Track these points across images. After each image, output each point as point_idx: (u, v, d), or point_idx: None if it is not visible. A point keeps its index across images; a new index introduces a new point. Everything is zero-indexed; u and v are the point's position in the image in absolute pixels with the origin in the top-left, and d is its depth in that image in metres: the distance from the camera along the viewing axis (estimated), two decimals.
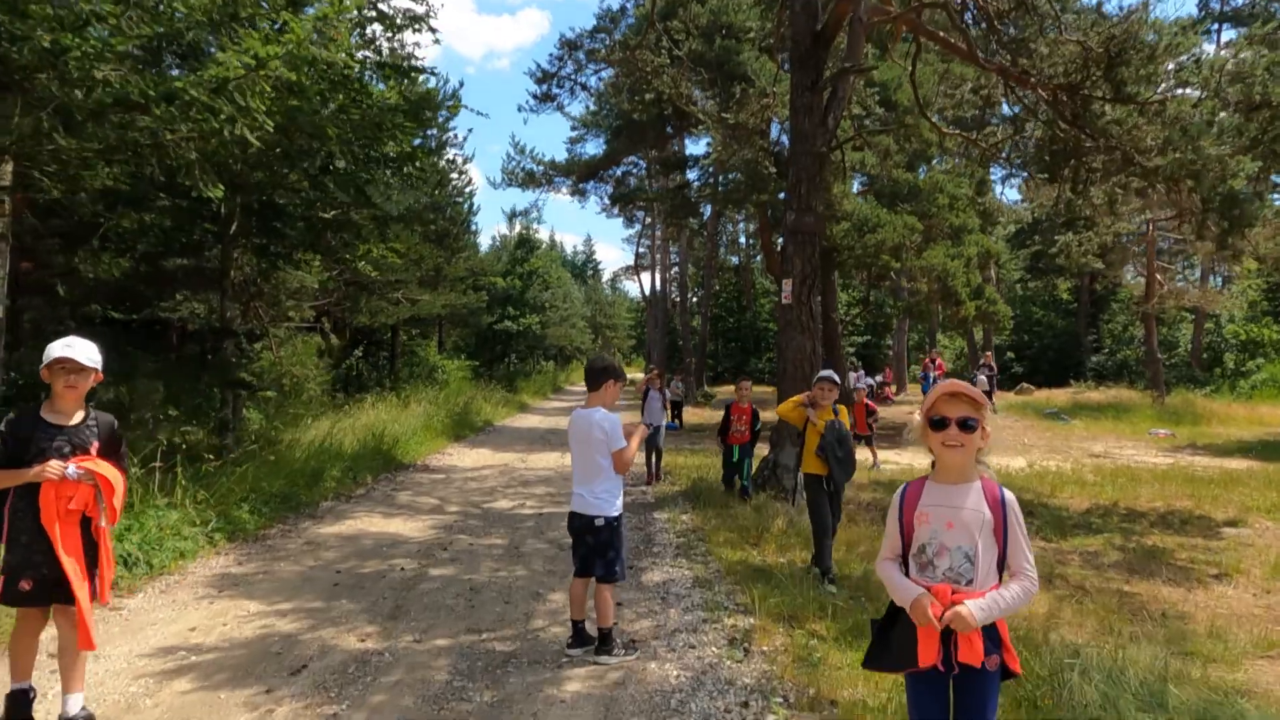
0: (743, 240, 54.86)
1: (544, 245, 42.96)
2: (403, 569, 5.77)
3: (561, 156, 18.59)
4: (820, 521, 5.54)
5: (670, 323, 40.70)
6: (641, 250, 59.16)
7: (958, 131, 12.94)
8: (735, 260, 54.46)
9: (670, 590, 5.38)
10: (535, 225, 34.37)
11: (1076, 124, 9.73)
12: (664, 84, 12.29)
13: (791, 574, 5.58)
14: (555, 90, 13.37)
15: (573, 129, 18.35)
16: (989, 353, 25.53)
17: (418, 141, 12.39)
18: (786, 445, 9.23)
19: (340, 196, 9.74)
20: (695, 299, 57.78)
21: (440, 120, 21.40)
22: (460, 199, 22.90)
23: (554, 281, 36.41)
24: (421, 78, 9.56)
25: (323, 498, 8.53)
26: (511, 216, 18.14)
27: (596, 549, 4.08)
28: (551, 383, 39.17)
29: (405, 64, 9.39)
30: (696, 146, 21.54)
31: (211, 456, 7.98)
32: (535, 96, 13.81)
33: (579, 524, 4.15)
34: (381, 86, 9.38)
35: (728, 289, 50.83)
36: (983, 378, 21.53)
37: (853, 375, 21.06)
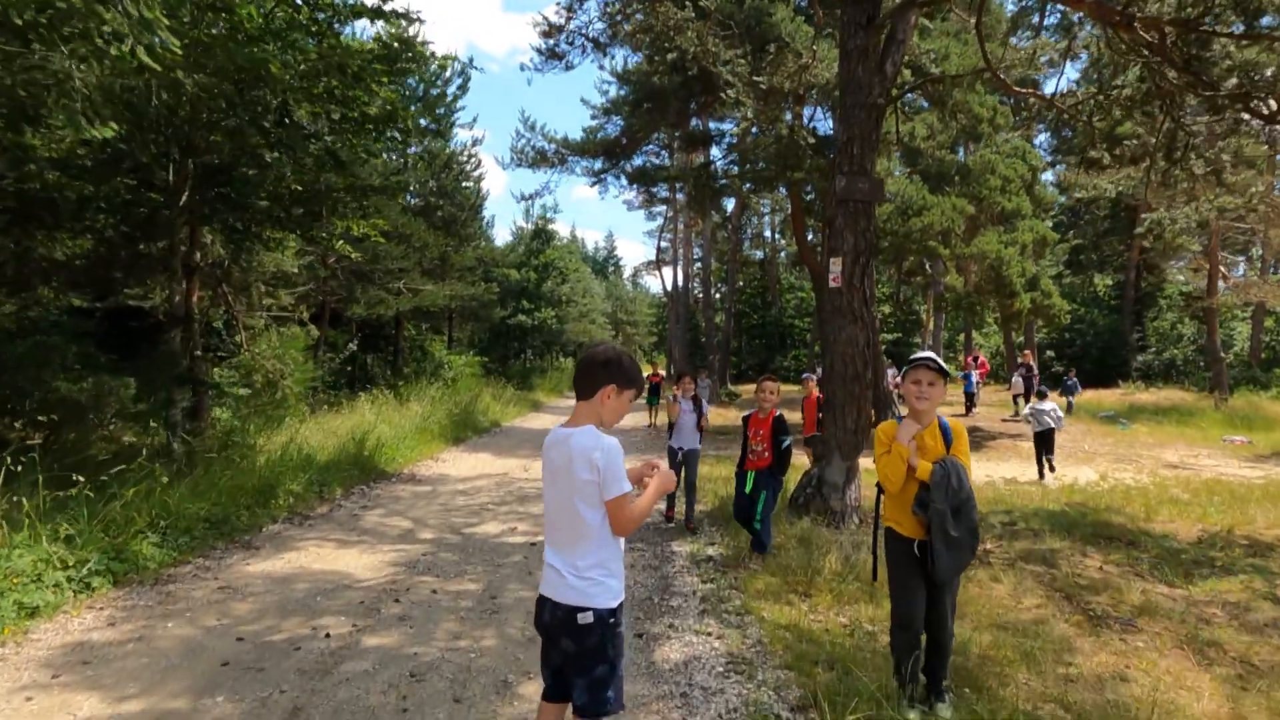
0: (768, 234, 53.18)
1: (563, 239, 41.46)
2: (328, 635, 4.23)
3: (576, 135, 17.04)
4: (905, 614, 3.36)
5: (692, 319, 39.06)
6: (663, 245, 57.65)
7: (1030, 91, 11.17)
8: (759, 255, 52.83)
9: (694, 679, 3.78)
10: (552, 216, 32.85)
11: (1189, 69, 7.97)
12: (688, 40, 10.68)
13: (861, 649, 3.99)
14: (563, 47, 11.78)
15: (593, 116, 16.87)
16: (1028, 351, 23.41)
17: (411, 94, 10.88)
18: (834, 459, 7.62)
19: (305, 159, 8.26)
20: (718, 294, 56.21)
21: (441, 91, 19.98)
22: (468, 184, 21.47)
23: (572, 275, 34.89)
24: (402, 24, 8.05)
25: (271, 519, 7.04)
26: (521, 199, 16.59)
27: (578, 660, 2.42)
28: (569, 380, 37.71)
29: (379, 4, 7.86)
30: (722, 127, 19.90)
31: (148, 465, 6.56)
32: (540, 52, 12.24)
33: (551, 617, 2.47)
34: (364, 36, 7.88)
35: (751, 284, 49.18)
36: (1018, 379, 19.67)
37: (890, 373, 19.29)
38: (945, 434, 3.37)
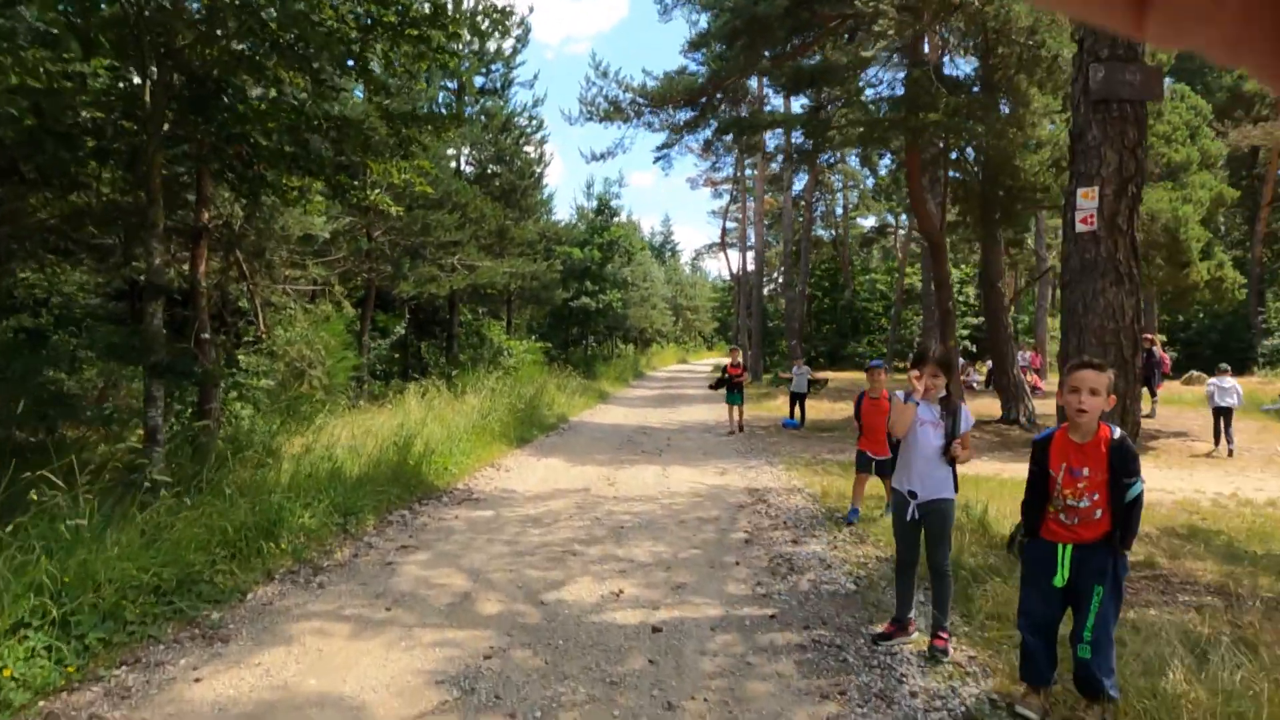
0: (839, 212, 49.87)
1: (623, 218, 38.93)
2: None
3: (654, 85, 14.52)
4: None
5: (762, 302, 36.19)
6: (729, 225, 54.74)
7: None
8: (828, 235, 49.58)
9: None
10: (616, 193, 30.41)
11: None
12: None
13: None
14: None
15: (682, 53, 14.33)
16: (1149, 335, 19.34)
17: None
18: None
19: (325, 76, 5.99)
20: (781, 277, 53.16)
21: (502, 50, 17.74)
22: (529, 149, 19.19)
23: (637, 254, 32.46)
24: None
25: (265, 575, 4.81)
26: (592, 160, 14.37)
27: None
28: (633, 368, 35.36)
29: None
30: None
31: (119, 486, 4.43)
32: None
33: None
34: None
35: (821, 266, 46.15)
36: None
37: (1021, 356, 16.26)
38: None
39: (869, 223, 53.07)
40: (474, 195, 15.88)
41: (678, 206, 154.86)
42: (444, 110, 17.60)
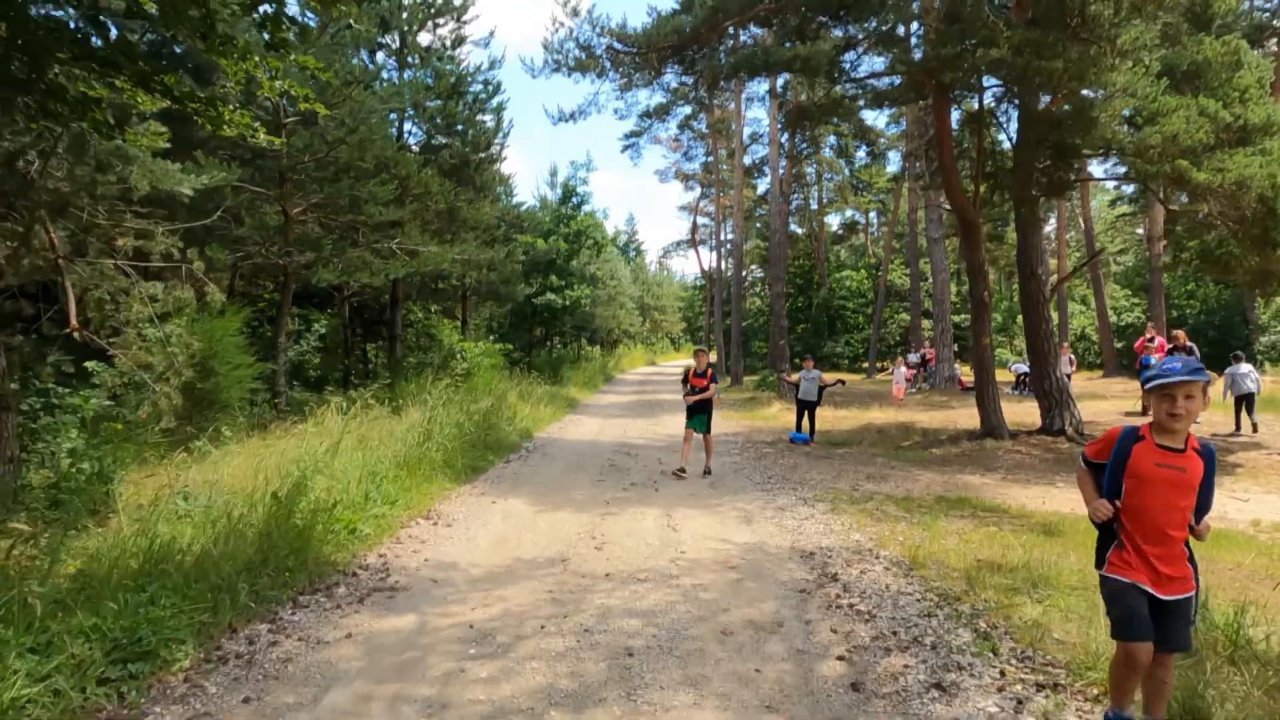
0: (814, 204, 47.73)
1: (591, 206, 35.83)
2: None
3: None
4: None
5: (741, 299, 33.68)
6: (701, 221, 52.23)
7: None
8: (804, 230, 47.37)
9: None
10: (582, 179, 27.62)
11: None
12: None
13: None
14: None
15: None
16: (1180, 332, 17.05)
17: None
18: None
19: None
20: (760, 274, 50.76)
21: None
22: (485, 117, 16.36)
23: (606, 247, 29.73)
24: None
25: None
26: (559, 120, 11.79)
27: None
28: (602, 372, 32.63)
29: None
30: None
31: None
32: None
33: None
34: None
35: (795, 263, 43.97)
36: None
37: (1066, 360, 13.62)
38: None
39: (836, 221, 51.29)
40: (416, 166, 13.06)
41: (643, 205, 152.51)
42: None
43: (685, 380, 9.63)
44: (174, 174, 6.59)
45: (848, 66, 10.62)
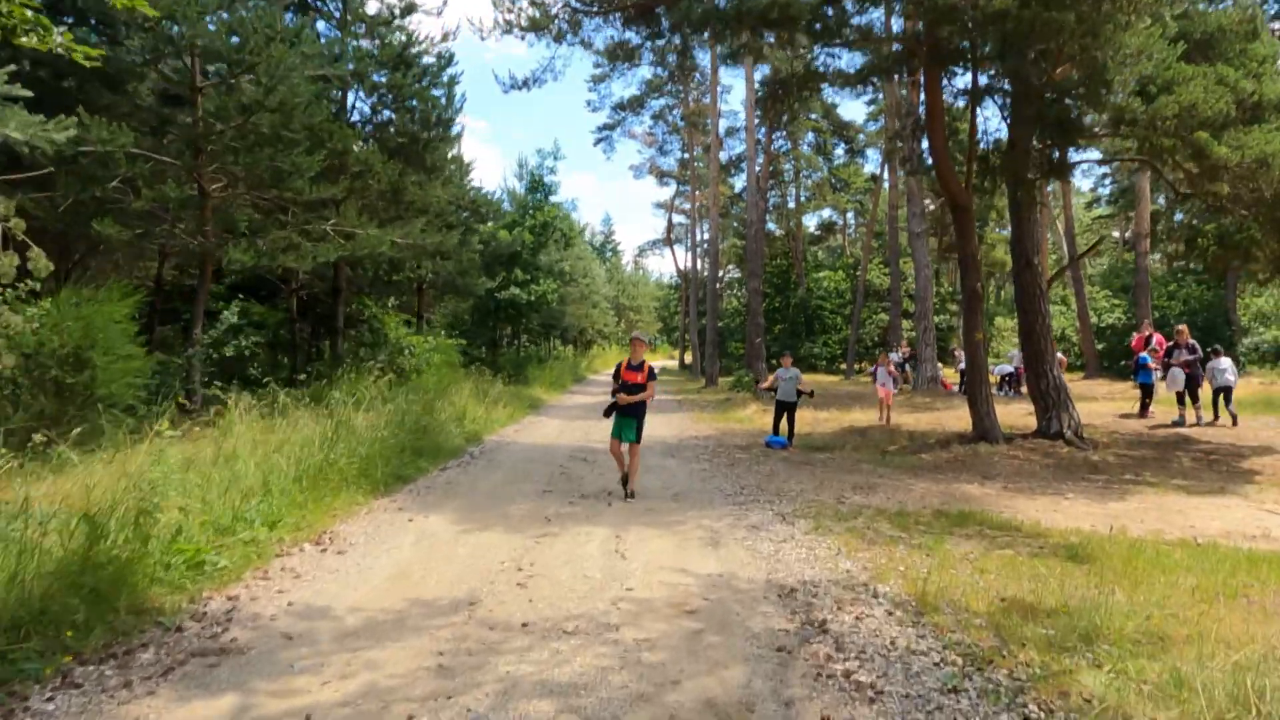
0: (791, 203, 46.75)
1: (559, 196, 34.36)
2: None
3: None
4: None
5: (717, 297, 32.53)
6: (677, 219, 51.15)
7: None
8: (780, 230, 46.39)
9: None
10: (554, 161, 26.25)
11: None
12: None
13: None
14: None
15: None
16: (1183, 328, 16.06)
17: None
18: None
19: None
20: (737, 274, 49.68)
21: None
22: (438, 90, 15.01)
23: (576, 241, 28.40)
24: None
25: None
26: (511, 88, 10.55)
27: None
28: (572, 372, 31.32)
29: None
30: None
31: None
32: None
33: None
34: None
35: (773, 262, 42.88)
36: (1177, 372, 13.31)
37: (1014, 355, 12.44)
38: None
39: (813, 223, 50.45)
40: (352, 138, 11.71)
41: (619, 206, 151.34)
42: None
43: (617, 375, 7.53)
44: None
45: (831, 21, 9.43)
